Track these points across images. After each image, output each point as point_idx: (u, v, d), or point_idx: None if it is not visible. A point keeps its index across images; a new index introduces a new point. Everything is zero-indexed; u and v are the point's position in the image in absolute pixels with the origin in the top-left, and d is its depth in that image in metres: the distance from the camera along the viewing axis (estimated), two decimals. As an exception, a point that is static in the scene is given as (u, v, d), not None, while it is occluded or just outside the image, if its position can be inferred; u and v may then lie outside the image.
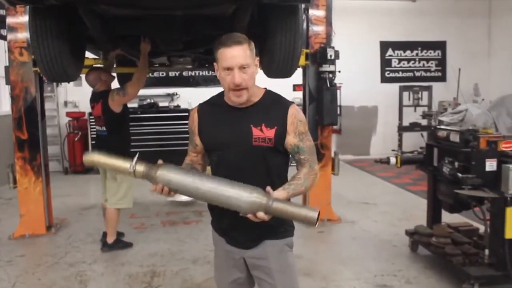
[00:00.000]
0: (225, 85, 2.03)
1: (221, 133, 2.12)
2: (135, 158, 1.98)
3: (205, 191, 1.91)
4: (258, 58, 2.10)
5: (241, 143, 2.08)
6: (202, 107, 2.22)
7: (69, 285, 4.09)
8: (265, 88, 2.20)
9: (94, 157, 2.05)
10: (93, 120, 9.38)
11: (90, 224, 5.81)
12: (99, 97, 4.81)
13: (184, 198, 6.74)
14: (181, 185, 1.93)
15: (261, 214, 1.85)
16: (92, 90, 5.02)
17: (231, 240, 2.21)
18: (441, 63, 11.48)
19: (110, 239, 4.86)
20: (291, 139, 2.10)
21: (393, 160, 4.68)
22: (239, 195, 1.86)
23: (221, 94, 2.16)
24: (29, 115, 5.43)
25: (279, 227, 2.16)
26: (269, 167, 2.11)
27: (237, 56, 1.96)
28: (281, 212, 1.86)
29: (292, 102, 2.18)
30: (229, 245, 2.22)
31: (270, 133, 2.07)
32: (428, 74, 11.48)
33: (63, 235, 5.51)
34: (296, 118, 2.10)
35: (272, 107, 2.13)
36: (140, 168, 1.96)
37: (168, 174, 1.93)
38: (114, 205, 4.79)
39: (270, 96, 2.17)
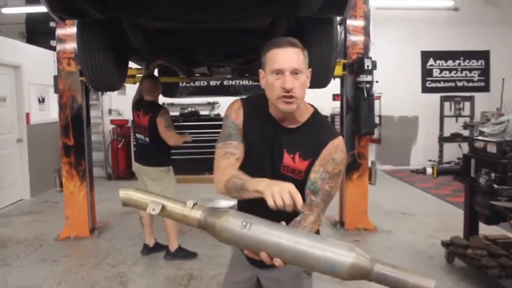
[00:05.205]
0: (273, 91, 1.77)
1: (259, 148, 1.88)
2: (192, 201, 1.55)
3: (289, 246, 1.45)
4: (310, 70, 1.84)
5: (272, 166, 1.87)
6: (247, 107, 1.94)
7: (110, 285, 4.27)
8: (314, 109, 1.94)
9: (132, 193, 1.59)
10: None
11: (132, 228, 5.98)
12: (148, 109, 4.77)
13: (221, 204, 6.86)
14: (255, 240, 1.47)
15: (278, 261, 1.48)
16: (138, 96, 5.05)
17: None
18: (485, 73, 11.25)
19: (173, 247, 4.87)
20: (311, 173, 1.81)
21: (429, 170, 4.66)
22: (335, 253, 1.43)
23: (264, 100, 1.88)
24: (75, 122, 5.67)
25: None
26: None
27: (290, 58, 1.73)
28: (385, 279, 1.43)
29: (338, 135, 1.88)
30: (246, 261, 2.02)
31: (302, 165, 1.83)
32: (471, 84, 11.26)
33: (105, 237, 5.72)
34: (330, 155, 1.80)
35: (314, 134, 1.85)
36: (197, 214, 1.53)
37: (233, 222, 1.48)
38: None
39: (316, 120, 1.90)
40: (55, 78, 5.74)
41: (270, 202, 1.49)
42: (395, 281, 1.41)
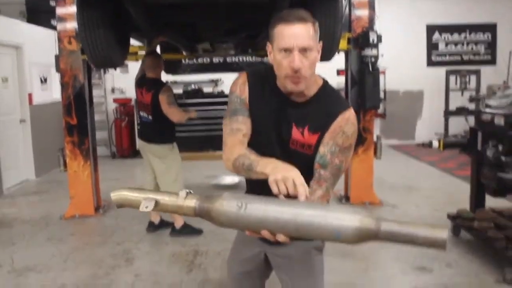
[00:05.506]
0: (281, 70, 1.67)
1: (266, 122, 1.79)
2: (184, 191, 1.51)
3: (289, 219, 1.39)
4: (321, 43, 1.71)
5: (280, 140, 1.78)
6: (253, 80, 1.85)
7: (116, 263, 4.28)
8: (324, 80, 1.83)
9: (124, 194, 1.56)
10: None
11: (137, 206, 5.98)
12: (151, 86, 4.73)
13: (227, 181, 6.86)
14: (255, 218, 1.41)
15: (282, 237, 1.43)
16: (140, 74, 5.00)
17: None
18: (491, 46, 11.10)
19: (178, 224, 4.89)
20: (320, 147, 1.73)
21: (435, 143, 4.63)
22: (338, 219, 1.37)
23: (272, 72, 1.77)
24: (78, 101, 5.63)
25: None
26: (309, 172, 1.69)
27: (299, 35, 1.60)
28: (394, 236, 1.36)
29: (349, 107, 1.77)
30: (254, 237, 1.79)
31: (311, 139, 1.74)
32: (477, 57, 11.12)
33: (110, 216, 5.73)
34: (340, 128, 1.71)
35: (324, 107, 1.75)
36: (191, 203, 1.49)
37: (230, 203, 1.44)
38: (167, 189, 4.66)
39: (326, 93, 1.79)
40: (57, 57, 5.70)
41: (274, 190, 1.45)
42: (404, 237, 1.34)
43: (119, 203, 1.56)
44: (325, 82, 1.82)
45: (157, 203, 1.50)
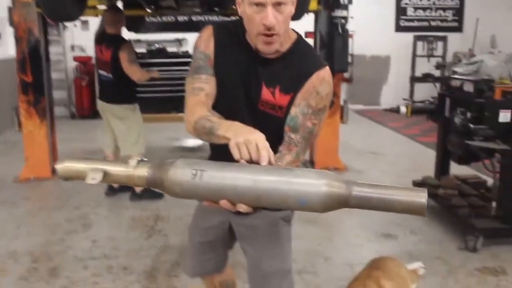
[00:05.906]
0: (252, 26, 1.50)
1: (233, 81, 1.64)
2: (135, 159, 1.33)
3: (249, 187, 1.23)
4: None
5: (248, 101, 1.63)
6: (219, 34, 1.66)
7: (73, 228, 4.11)
8: (298, 35, 1.66)
9: (69, 165, 1.35)
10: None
11: (96, 168, 5.77)
12: (111, 43, 4.51)
13: (191, 143, 6.69)
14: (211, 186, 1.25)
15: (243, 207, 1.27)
16: (100, 30, 4.74)
17: None
18: (459, 12, 11.13)
19: (138, 188, 4.68)
20: (292, 108, 1.59)
21: (403, 109, 4.57)
22: (303, 184, 1.20)
23: (240, 28, 1.60)
24: (33, 57, 5.34)
25: None
26: (279, 137, 1.59)
27: None
28: (367, 202, 1.20)
29: (325, 65, 1.61)
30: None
31: (282, 100, 1.59)
32: (445, 24, 11.15)
33: (68, 179, 5.50)
34: (314, 88, 1.57)
35: (297, 65, 1.60)
36: (143, 172, 1.31)
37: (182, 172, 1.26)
38: (128, 151, 4.57)
39: (300, 49, 1.63)
40: (10, 9, 5.37)
41: (235, 154, 1.31)
42: (378, 203, 1.19)
43: (64, 176, 1.36)
44: (299, 37, 1.66)
45: (105, 173, 1.32)
